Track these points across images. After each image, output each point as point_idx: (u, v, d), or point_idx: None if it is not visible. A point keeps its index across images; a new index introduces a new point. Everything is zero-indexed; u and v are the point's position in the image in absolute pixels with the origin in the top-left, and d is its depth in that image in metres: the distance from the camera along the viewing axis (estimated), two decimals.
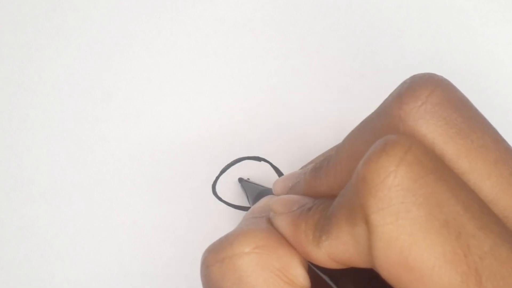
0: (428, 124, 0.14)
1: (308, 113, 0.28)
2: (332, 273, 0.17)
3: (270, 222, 0.16)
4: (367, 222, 0.13)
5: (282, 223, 0.16)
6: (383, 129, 0.15)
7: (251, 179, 0.27)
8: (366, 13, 0.30)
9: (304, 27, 0.30)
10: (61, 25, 0.30)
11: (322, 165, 0.17)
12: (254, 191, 0.25)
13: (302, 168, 0.19)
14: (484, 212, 0.13)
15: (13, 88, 0.29)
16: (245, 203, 0.27)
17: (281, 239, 0.15)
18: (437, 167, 0.13)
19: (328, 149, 0.28)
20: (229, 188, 0.28)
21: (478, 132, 0.14)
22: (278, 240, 0.15)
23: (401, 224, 0.12)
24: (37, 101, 0.29)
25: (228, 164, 0.27)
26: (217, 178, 0.27)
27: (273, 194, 0.20)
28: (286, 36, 0.30)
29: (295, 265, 0.15)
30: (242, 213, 0.27)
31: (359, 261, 0.14)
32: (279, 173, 0.28)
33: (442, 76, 0.15)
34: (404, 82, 0.15)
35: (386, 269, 0.12)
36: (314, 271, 0.17)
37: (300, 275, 0.15)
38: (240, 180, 0.27)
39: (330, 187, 0.16)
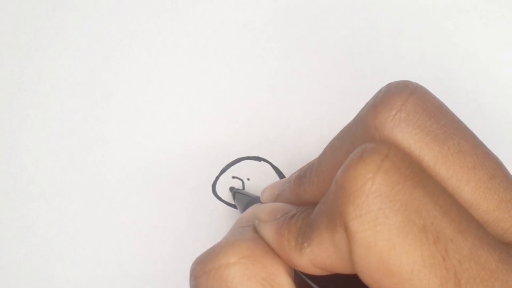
0: (403, 133, 0.14)
1: (308, 113, 0.28)
2: (320, 281, 0.17)
3: (255, 231, 0.16)
4: (346, 228, 0.13)
5: (267, 231, 0.16)
6: (361, 139, 0.15)
7: (251, 179, 0.27)
8: (366, 13, 0.30)
9: (304, 27, 0.30)
10: (61, 25, 0.30)
11: (305, 173, 0.17)
12: (243, 201, 0.25)
13: (290, 176, 0.19)
14: (464, 216, 0.13)
15: (13, 88, 0.29)
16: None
17: (266, 248, 0.16)
18: (415, 173, 0.13)
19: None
20: (229, 188, 0.28)
21: (454, 138, 0.14)
22: (263, 249, 0.15)
23: (379, 230, 0.12)
24: (37, 101, 0.29)
25: (228, 164, 0.28)
26: (217, 178, 0.27)
27: (261, 202, 0.20)
28: (286, 36, 0.30)
29: (281, 274, 0.15)
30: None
31: (341, 267, 0.14)
32: (279, 173, 0.28)
33: (417, 83, 0.15)
34: (379, 91, 0.15)
35: (367, 274, 0.13)
36: (303, 280, 0.17)
37: (286, 284, 0.15)
38: (231, 189, 0.27)
39: (313, 196, 0.17)
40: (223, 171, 0.28)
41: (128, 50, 0.30)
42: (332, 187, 0.13)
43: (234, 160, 0.28)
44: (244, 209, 0.24)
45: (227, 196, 0.27)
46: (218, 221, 0.27)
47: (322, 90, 0.29)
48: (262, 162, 0.28)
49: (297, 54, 0.29)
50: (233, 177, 0.28)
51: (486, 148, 0.15)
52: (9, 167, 0.28)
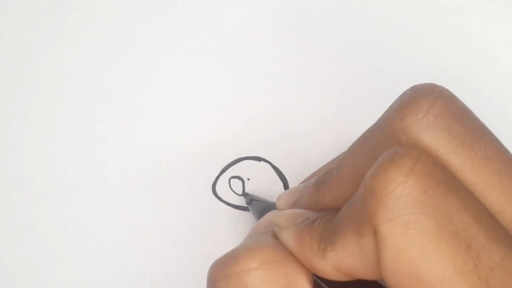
0: (431, 136, 0.14)
1: (308, 113, 0.28)
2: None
3: (275, 237, 0.16)
4: (375, 233, 0.13)
5: (287, 237, 0.16)
6: (386, 142, 0.15)
7: (251, 179, 0.27)
8: (366, 13, 0.30)
9: (304, 27, 0.30)
10: (61, 25, 0.30)
11: (324, 179, 0.17)
12: (259, 207, 0.25)
13: (304, 181, 0.19)
14: (494, 223, 0.13)
15: (13, 88, 0.29)
16: (245, 203, 0.27)
17: (287, 255, 0.15)
18: (446, 178, 0.13)
19: (326, 149, 0.28)
20: (229, 188, 0.28)
21: (481, 142, 0.14)
22: (285, 256, 0.15)
23: (410, 235, 0.12)
24: (37, 101, 0.29)
25: (228, 164, 0.28)
26: (217, 178, 0.27)
27: (277, 209, 0.20)
28: (286, 36, 0.30)
29: (302, 282, 0.15)
30: (242, 213, 0.27)
31: (365, 273, 0.14)
32: (279, 173, 0.28)
33: (442, 87, 0.15)
34: (404, 94, 0.15)
35: (395, 281, 0.12)
36: (321, 287, 0.17)
37: None
38: (245, 195, 0.27)
39: (333, 201, 0.16)
40: (223, 171, 0.28)
41: (128, 50, 0.30)
42: (360, 191, 0.13)
43: (234, 160, 0.28)
44: (259, 215, 0.24)
45: (227, 196, 0.27)
46: (218, 221, 0.27)
47: (322, 90, 0.29)
48: (262, 162, 0.28)
49: (297, 54, 0.29)
50: (233, 177, 0.28)
51: (510, 154, 0.15)
52: (9, 167, 0.28)
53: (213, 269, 0.15)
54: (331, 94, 0.29)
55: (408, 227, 0.12)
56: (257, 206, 0.25)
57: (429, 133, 0.14)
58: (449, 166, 0.14)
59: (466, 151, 0.14)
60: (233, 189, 0.27)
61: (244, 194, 0.27)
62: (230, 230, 0.27)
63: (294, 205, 0.18)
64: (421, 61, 0.29)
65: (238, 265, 0.15)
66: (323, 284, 0.16)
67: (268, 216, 0.18)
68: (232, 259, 0.15)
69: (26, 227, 0.27)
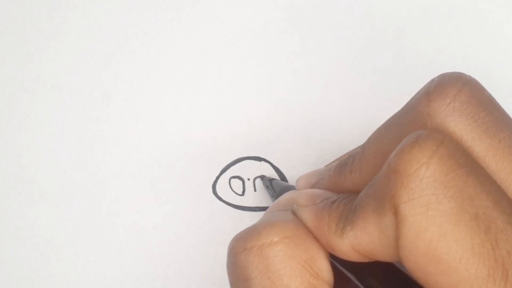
0: (456, 122, 0.14)
1: (308, 113, 0.28)
2: (356, 270, 0.17)
3: (294, 214, 0.16)
4: (396, 212, 0.13)
5: (306, 215, 0.16)
6: (411, 126, 0.15)
7: (251, 179, 0.27)
8: (366, 13, 0.30)
9: (304, 27, 0.30)
10: (61, 25, 0.30)
11: (347, 162, 0.17)
12: (277, 187, 0.25)
13: (326, 165, 0.19)
14: None
15: (13, 88, 0.29)
16: (245, 203, 0.27)
17: (307, 232, 0.15)
18: (468, 162, 0.13)
19: (326, 150, 0.28)
20: (229, 188, 0.28)
21: (505, 131, 0.14)
22: (305, 232, 0.15)
23: (431, 215, 0.12)
24: (37, 101, 0.29)
25: (228, 164, 0.28)
26: (217, 178, 0.27)
27: (296, 190, 0.20)
28: (286, 36, 0.30)
29: (321, 259, 0.15)
30: (242, 213, 0.27)
31: (383, 254, 0.14)
32: (279, 173, 0.28)
33: (470, 76, 0.15)
34: (432, 80, 0.15)
35: (413, 260, 0.13)
36: (337, 269, 0.17)
37: (325, 269, 0.15)
38: (262, 177, 0.27)
39: (354, 184, 0.16)
40: (223, 171, 0.28)
41: (128, 50, 0.30)
42: (383, 171, 0.13)
43: (234, 160, 0.28)
44: (277, 195, 0.24)
45: (227, 196, 0.27)
46: (218, 221, 0.27)
47: (322, 90, 0.29)
48: (262, 162, 0.28)
49: (297, 54, 0.29)
50: (233, 177, 0.28)
51: None
52: (9, 167, 0.28)
53: (234, 242, 0.15)
54: (331, 94, 0.29)
55: (429, 207, 0.12)
56: (275, 186, 0.25)
57: (455, 119, 0.14)
58: (472, 152, 0.14)
59: (490, 139, 0.14)
60: (233, 189, 0.27)
61: (261, 176, 0.27)
62: (230, 230, 0.27)
63: (314, 186, 0.19)
64: (421, 61, 0.29)
65: (260, 239, 0.15)
66: (339, 266, 0.17)
67: (287, 194, 0.18)
68: (254, 233, 0.15)
69: (26, 227, 0.27)
